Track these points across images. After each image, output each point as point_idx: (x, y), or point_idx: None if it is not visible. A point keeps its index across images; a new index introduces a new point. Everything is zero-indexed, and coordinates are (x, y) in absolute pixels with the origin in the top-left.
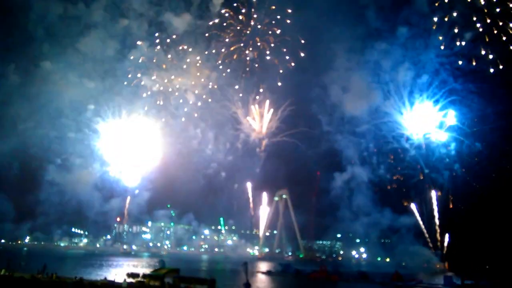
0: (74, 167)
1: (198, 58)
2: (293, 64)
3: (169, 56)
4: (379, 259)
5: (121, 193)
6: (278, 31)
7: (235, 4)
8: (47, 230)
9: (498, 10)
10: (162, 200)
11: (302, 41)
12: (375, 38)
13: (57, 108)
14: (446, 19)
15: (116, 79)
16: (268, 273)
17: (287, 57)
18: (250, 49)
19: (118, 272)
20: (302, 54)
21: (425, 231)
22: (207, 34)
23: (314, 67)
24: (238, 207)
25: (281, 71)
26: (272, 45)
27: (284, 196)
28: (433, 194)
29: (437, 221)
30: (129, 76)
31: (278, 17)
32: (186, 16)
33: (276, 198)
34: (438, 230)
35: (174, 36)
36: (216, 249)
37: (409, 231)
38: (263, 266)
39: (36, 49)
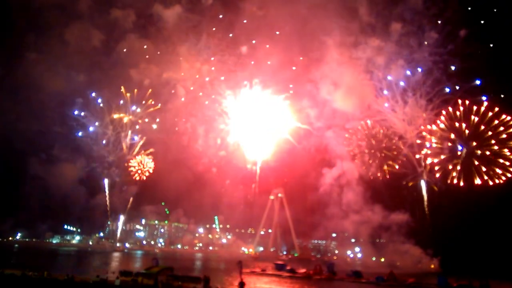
0: (59, 161)
1: (188, 51)
2: (285, 58)
3: (159, 48)
4: (373, 258)
5: (109, 189)
6: (271, 24)
7: None
8: (31, 226)
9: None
10: (150, 197)
11: (293, 35)
12: (368, 34)
13: (41, 101)
14: (440, 16)
15: (103, 72)
16: (262, 272)
17: (279, 51)
18: (242, 42)
19: (110, 270)
20: (294, 48)
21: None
22: (198, 27)
23: (306, 61)
24: (230, 204)
25: (269, 62)
26: (264, 37)
27: (279, 195)
28: (425, 193)
29: (430, 221)
30: (117, 68)
31: (270, 10)
32: (177, 8)
33: (271, 197)
34: (431, 230)
35: (163, 28)
36: (211, 248)
37: (401, 231)
38: (258, 265)
39: (19, 39)
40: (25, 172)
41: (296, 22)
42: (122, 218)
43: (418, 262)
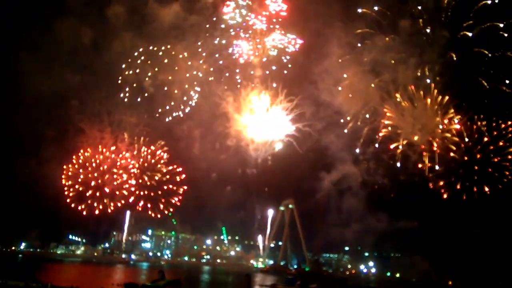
0: (52, 167)
1: (185, 51)
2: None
3: (154, 48)
4: (388, 274)
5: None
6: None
7: None
8: (34, 236)
9: None
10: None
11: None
12: (375, 32)
13: (31, 102)
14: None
15: (94, 73)
16: (272, 286)
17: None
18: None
19: (115, 282)
20: (294, 49)
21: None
22: (196, 26)
23: (307, 61)
24: (234, 214)
25: (274, 67)
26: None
27: (290, 206)
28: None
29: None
30: (110, 69)
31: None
32: (174, 6)
33: (281, 208)
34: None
35: (159, 28)
36: (219, 260)
37: (417, 245)
38: (267, 279)
39: (7, 36)
40: (19, 178)
41: (296, 19)
42: (127, 229)
43: (432, 277)
